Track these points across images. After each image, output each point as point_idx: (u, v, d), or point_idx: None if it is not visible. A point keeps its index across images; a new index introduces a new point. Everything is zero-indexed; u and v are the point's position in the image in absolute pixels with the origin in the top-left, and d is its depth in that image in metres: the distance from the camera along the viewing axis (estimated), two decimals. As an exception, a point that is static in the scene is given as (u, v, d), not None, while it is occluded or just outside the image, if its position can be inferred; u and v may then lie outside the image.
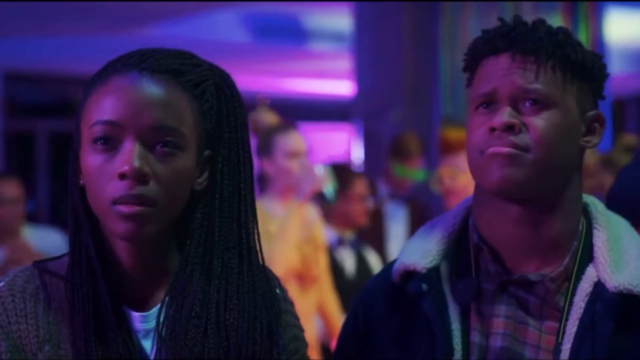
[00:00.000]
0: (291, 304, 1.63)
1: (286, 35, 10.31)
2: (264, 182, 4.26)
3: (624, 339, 1.59)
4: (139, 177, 1.42)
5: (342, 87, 10.62)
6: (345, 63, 8.18)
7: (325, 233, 4.68)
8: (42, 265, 1.52)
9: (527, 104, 1.61)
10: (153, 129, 1.44)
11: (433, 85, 6.57)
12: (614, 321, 1.58)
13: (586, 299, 1.61)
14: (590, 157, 5.08)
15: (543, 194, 1.62)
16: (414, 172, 5.82)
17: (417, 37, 6.86)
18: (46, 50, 10.99)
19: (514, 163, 1.58)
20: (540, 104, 1.60)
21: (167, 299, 1.49)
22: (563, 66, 1.62)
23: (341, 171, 4.82)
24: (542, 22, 1.66)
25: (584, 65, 1.63)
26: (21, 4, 8.28)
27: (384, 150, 6.20)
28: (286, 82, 13.01)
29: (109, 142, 1.44)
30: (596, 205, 1.71)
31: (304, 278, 4.14)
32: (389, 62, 6.95)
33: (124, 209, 1.42)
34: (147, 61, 1.47)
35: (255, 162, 1.54)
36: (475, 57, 1.66)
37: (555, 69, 1.62)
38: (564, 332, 1.60)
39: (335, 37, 9.92)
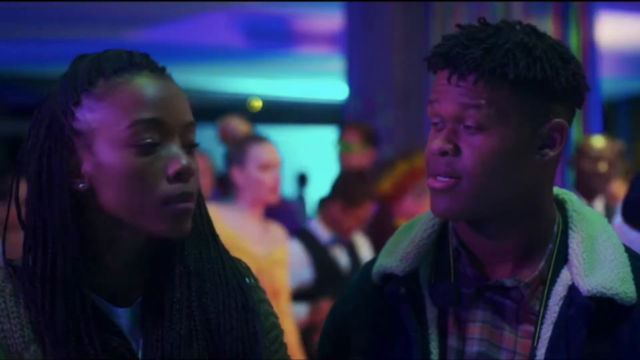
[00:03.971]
0: (264, 292, 1.65)
1: (278, 38, 10.31)
2: (232, 191, 4.24)
3: (599, 342, 1.58)
4: (190, 175, 1.44)
5: (334, 90, 10.62)
6: (336, 65, 8.18)
7: (320, 233, 4.78)
8: (15, 265, 1.49)
9: (462, 127, 1.58)
10: (189, 125, 1.47)
11: (425, 87, 6.58)
12: (587, 326, 1.57)
13: (560, 303, 1.60)
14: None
15: (493, 214, 1.60)
16: None
17: (408, 39, 6.85)
18: (37, 53, 10.98)
19: (448, 195, 1.58)
20: (475, 128, 1.56)
21: (149, 290, 1.50)
22: (502, 85, 1.56)
23: (354, 185, 4.84)
24: (490, 34, 1.58)
25: (533, 80, 1.56)
26: (11, 6, 8.27)
27: (376, 152, 6.20)
28: (278, 84, 13.01)
29: (151, 141, 1.43)
30: (573, 203, 1.69)
31: None
32: (381, 64, 6.95)
33: (180, 206, 1.44)
34: (150, 61, 1.48)
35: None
36: (430, 69, 1.64)
37: (493, 89, 1.56)
38: (539, 337, 1.60)
39: (327, 39, 9.92)
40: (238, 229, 4.05)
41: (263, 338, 1.56)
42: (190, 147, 1.47)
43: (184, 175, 1.43)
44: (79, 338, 1.43)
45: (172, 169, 1.43)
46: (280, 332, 1.63)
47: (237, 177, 4.13)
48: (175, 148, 1.44)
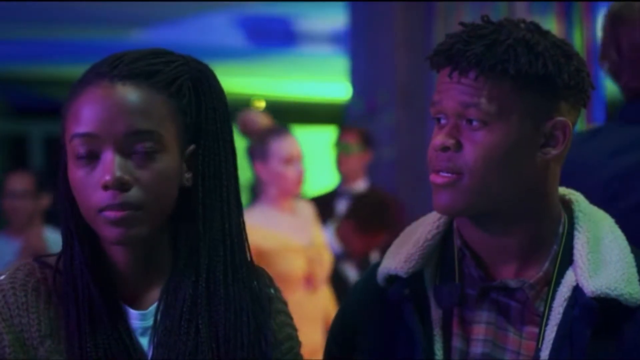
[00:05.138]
0: (285, 303, 1.65)
1: (280, 38, 10.30)
2: (257, 187, 4.23)
3: (603, 343, 1.58)
4: (120, 186, 1.45)
5: (337, 90, 10.62)
6: (339, 65, 8.17)
7: (332, 244, 4.72)
8: (43, 260, 1.54)
9: (464, 123, 1.58)
10: (128, 135, 1.46)
11: (427, 87, 6.57)
12: (591, 327, 1.57)
13: (564, 304, 1.60)
14: None
15: (495, 211, 1.60)
16: None
17: (411, 38, 6.85)
18: (41, 53, 10.99)
19: (450, 191, 1.58)
20: (476, 124, 1.57)
21: (164, 297, 1.51)
22: (504, 81, 1.56)
23: (370, 211, 4.81)
24: (492, 31, 1.58)
25: (535, 76, 1.56)
26: (15, 6, 8.27)
27: (378, 153, 6.20)
28: (280, 84, 13.01)
29: (89, 154, 1.46)
30: (580, 204, 1.68)
31: (310, 281, 4.14)
32: (384, 64, 6.94)
33: (110, 214, 1.45)
34: (117, 68, 1.48)
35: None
36: (433, 67, 1.64)
37: (495, 85, 1.56)
38: (543, 338, 1.60)
39: (329, 39, 9.91)
40: (286, 231, 4.06)
41: (276, 349, 1.57)
42: (141, 154, 1.46)
43: (114, 187, 1.44)
44: (89, 333, 1.47)
45: (101, 182, 1.45)
46: (295, 344, 1.63)
47: (261, 172, 4.11)
48: (108, 160, 1.45)
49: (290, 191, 4.11)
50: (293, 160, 4.08)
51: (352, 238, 4.76)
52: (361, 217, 4.77)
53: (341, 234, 4.80)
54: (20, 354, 1.46)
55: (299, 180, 4.13)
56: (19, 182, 4.84)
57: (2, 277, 1.51)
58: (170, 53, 1.54)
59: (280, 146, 4.07)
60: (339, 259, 4.77)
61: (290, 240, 4.06)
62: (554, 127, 1.60)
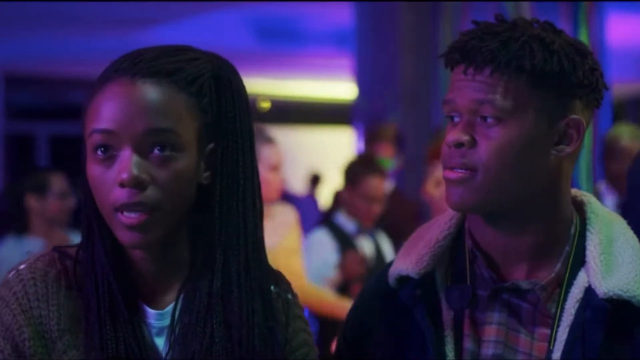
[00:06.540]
0: (302, 309, 1.64)
1: (287, 38, 10.30)
2: None
3: (615, 345, 1.57)
4: (137, 185, 1.43)
5: (343, 90, 10.62)
6: (346, 65, 8.17)
7: (344, 223, 4.88)
8: (63, 250, 1.53)
9: (479, 119, 1.58)
10: (147, 133, 1.44)
11: (433, 88, 6.57)
12: (604, 328, 1.57)
13: (577, 305, 1.59)
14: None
15: (507, 208, 1.60)
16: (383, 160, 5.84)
17: (417, 39, 6.85)
18: (46, 53, 11.00)
19: (463, 187, 1.58)
20: (492, 119, 1.56)
21: (181, 296, 1.51)
22: (519, 77, 1.56)
23: (354, 165, 4.98)
24: (507, 28, 1.58)
25: (550, 73, 1.56)
26: (21, 6, 8.28)
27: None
28: (287, 84, 13.01)
29: (107, 151, 1.45)
30: (592, 205, 1.68)
31: None
32: (390, 64, 6.95)
33: (126, 219, 1.44)
34: (138, 64, 1.47)
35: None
36: (447, 65, 1.64)
37: (510, 81, 1.56)
38: (555, 339, 1.59)
39: (336, 39, 9.91)
40: None
41: (291, 355, 1.57)
42: (160, 153, 1.45)
43: (130, 185, 1.43)
44: (107, 329, 1.46)
45: (118, 180, 1.44)
46: (311, 350, 1.62)
47: None
48: (125, 158, 1.44)
49: (271, 198, 4.14)
50: (278, 168, 4.13)
51: (351, 198, 4.87)
52: (349, 174, 4.91)
53: (343, 203, 4.95)
54: (40, 348, 1.45)
55: (280, 187, 4.21)
56: (62, 182, 4.86)
57: (22, 266, 1.50)
58: (193, 50, 1.53)
59: (269, 153, 4.10)
60: (354, 235, 4.90)
61: None
62: (568, 125, 1.60)
